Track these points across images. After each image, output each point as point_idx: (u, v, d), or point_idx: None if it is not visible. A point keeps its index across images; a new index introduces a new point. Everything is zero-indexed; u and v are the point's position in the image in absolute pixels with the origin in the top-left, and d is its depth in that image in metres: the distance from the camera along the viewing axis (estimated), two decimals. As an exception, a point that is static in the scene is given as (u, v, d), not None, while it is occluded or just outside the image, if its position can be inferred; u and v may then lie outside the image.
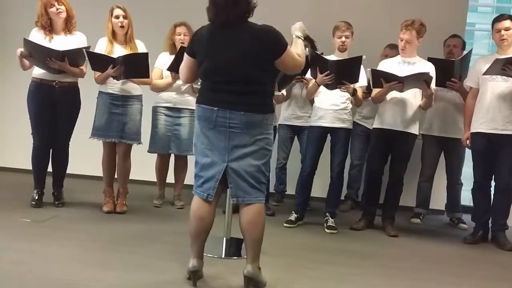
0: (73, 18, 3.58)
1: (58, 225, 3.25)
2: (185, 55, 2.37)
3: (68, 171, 3.80)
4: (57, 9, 3.46)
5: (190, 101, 4.02)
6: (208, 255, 2.68)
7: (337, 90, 3.59)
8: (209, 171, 2.25)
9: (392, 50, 4.21)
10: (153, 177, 4.20)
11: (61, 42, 3.48)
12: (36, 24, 3.50)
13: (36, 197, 3.63)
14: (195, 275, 2.29)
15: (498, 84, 3.51)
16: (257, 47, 2.18)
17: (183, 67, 2.41)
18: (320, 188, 3.99)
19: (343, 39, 3.63)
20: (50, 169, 3.74)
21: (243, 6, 2.19)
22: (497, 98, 3.50)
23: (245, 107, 2.18)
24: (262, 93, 2.26)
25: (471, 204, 3.84)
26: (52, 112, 3.55)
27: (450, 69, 3.81)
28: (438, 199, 4.63)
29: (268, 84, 2.30)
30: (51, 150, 3.68)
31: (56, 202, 3.71)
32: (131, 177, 3.84)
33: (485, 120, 3.54)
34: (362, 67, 3.54)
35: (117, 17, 3.58)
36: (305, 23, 2.33)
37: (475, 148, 3.67)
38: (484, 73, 3.49)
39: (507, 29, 3.50)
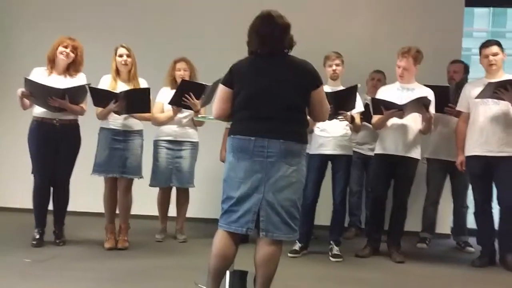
0: (79, 68, 3.66)
1: (60, 264, 3.21)
2: (221, 87, 2.31)
3: (69, 209, 3.78)
4: (66, 53, 3.56)
5: (191, 134, 4.05)
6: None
7: (336, 119, 3.62)
8: (245, 204, 2.17)
9: (378, 74, 4.48)
10: (154, 211, 4.18)
11: (59, 82, 3.53)
12: (46, 55, 3.58)
13: (37, 236, 3.60)
14: None
15: (490, 108, 3.54)
16: (299, 76, 2.24)
17: (218, 101, 2.32)
18: (323, 216, 3.95)
19: (334, 67, 3.70)
20: (50, 207, 3.72)
21: (287, 38, 2.26)
22: (490, 121, 3.53)
23: (284, 135, 2.17)
24: (300, 122, 2.27)
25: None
26: (53, 150, 3.57)
27: (446, 94, 3.86)
28: (444, 223, 4.59)
29: (305, 113, 2.31)
30: (51, 188, 3.67)
31: (57, 241, 3.68)
32: (133, 212, 3.82)
33: (480, 143, 3.55)
34: (357, 94, 3.58)
35: (120, 55, 3.66)
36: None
37: (472, 172, 3.67)
38: (477, 97, 3.54)
39: (494, 54, 3.56)
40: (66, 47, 3.56)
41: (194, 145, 4.08)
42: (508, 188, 3.51)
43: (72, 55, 3.58)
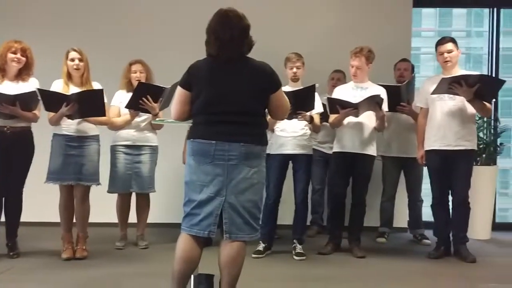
0: (31, 69, 3.53)
1: (14, 277, 3.07)
2: (179, 89, 2.30)
3: (22, 219, 3.62)
4: (18, 59, 3.43)
5: (150, 138, 3.98)
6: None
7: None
8: (207, 207, 2.17)
9: (338, 73, 4.57)
10: (114, 219, 4.07)
11: (12, 88, 3.40)
12: None
13: (-11, 250, 3.44)
14: None
15: (446, 103, 3.68)
16: (257, 80, 2.23)
17: (176, 103, 2.33)
18: (286, 215, 3.99)
19: (295, 70, 3.75)
20: (2, 218, 3.56)
21: (246, 43, 2.24)
22: (446, 116, 3.66)
23: (244, 138, 2.17)
24: (260, 124, 2.28)
25: (432, 219, 3.93)
26: (4, 159, 3.42)
27: (398, 94, 4.00)
28: (401, 217, 4.73)
29: (264, 116, 2.32)
30: (3, 198, 3.51)
31: (11, 253, 3.52)
32: (90, 220, 3.71)
33: (437, 138, 3.69)
34: (316, 94, 3.64)
35: (72, 59, 3.55)
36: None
37: (430, 165, 3.80)
38: (433, 92, 3.66)
39: (449, 51, 3.70)
40: (15, 52, 3.42)
41: (154, 149, 4.01)
42: (461, 180, 3.67)
43: (23, 59, 3.46)
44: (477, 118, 4.21)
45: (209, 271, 2.84)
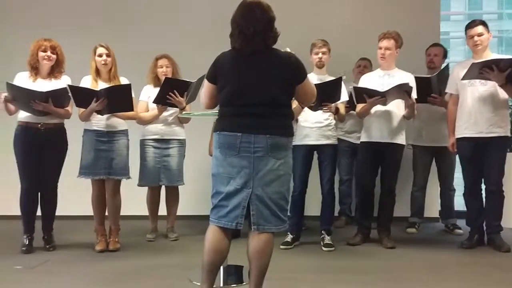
0: (62, 66, 3.62)
1: (51, 270, 3.17)
2: (206, 82, 2.34)
3: (57, 213, 3.73)
4: (48, 56, 3.51)
5: (177, 132, 4.03)
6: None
7: (320, 108, 3.63)
8: (234, 199, 2.18)
9: (364, 61, 4.50)
10: (144, 211, 4.16)
11: (45, 86, 3.49)
12: (27, 62, 3.52)
13: (27, 242, 3.56)
14: None
15: (477, 89, 3.57)
16: (283, 71, 2.22)
17: (205, 97, 2.37)
18: (313, 206, 3.98)
19: (320, 55, 3.72)
20: (39, 212, 3.68)
21: (270, 37, 2.23)
22: (477, 102, 3.56)
23: (270, 130, 2.17)
24: (286, 116, 2.27)
25: (465, 209, 3.85)
26: (39, 155, 3.52)
27: (428, 85, 3.91)
28: (432, 207, 4.66)
29: (290, 107, 2.32)
30: (39, 193, 3.63)
31: (47, 246, 3.64)
32: (122, 213, 3.79)
33: (468, 125, 3.59)
34: (342, 83, 3.59)
35: (100, 55, 3.61)
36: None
37: (462, 153, 3.71)
38: (462, 78, 3.56)
39: (480, 34, 3.58)
40: (45, 50, 3.51)
41: (182, 143, 4.06)
42: (494, 168, 3.57)
43: (54, 56, 3.54)
44: (510, 103, 4.07)
45: (238, 262, 2.88)
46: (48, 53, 3.51)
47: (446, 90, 3.83)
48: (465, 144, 3.63)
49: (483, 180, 3.67)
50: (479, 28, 3.59)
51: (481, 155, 3.59)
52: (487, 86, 3.54)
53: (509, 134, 3.67)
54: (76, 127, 3.67)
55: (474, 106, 3.57)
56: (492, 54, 3.64)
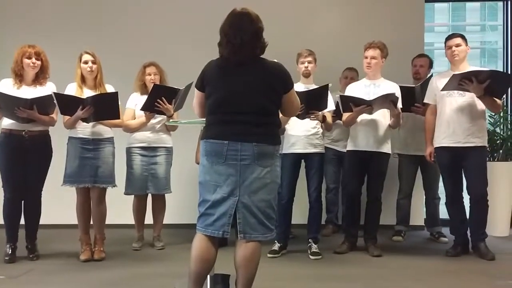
0: (47, 72, 3.59)
1: (34, 279, 3.12)
2: (196, 90, 2.36)
3: (41, 222, 3.68)
4: (33, 63, 3.47)
5: (165, 139, 4.02)
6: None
7: (307, 117, 3.65)
8: (221, 207, 2.18)
9: (351, 71, 4.51)
10: (130, 220, 4.11)
11: (29, 93, 3.45)
12: (11, 69, 3.48)
13: (9, 252, 3.49)
14: None
15: (456, 99, 3.65)
16: (270, 80, 2.24)
17: (196, 104, 2.40)
18: (300, 215, 3.98)
19: (306, 64, 3.75)
20: (22, 221, 3.62)
21: (258, 47, 2.25)
22: (456, 113, 3.63)
23: (257, 138, 2.18)
24: (272, 124, 2.28)
25: (450, 217, 3.89)
26: (23, 163, 3.47)
27: (412, 94, 3.97)
28: (417, 215, 4.70)
29: (277, 115, 2.32)
30: (22, 201, 3.57)
31: (31, 255, 3.58)
32: (108, 221, 3.74)
33: (447, 135, 3.66)
34: (328, 92, 3.63)
35: (86, 62, 3.58)
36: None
37: (441, 163, 3.78)
38: (443, 89, 3.63)
39: (457, 45, 3.67)
40: (29, 57, 3.47)
41: (169, 151, 4.04)
42: (476, 177, 3.62)
43: (39, 63, 3.51)
44: (493, 114, 4.15)
45: (225, 271, 2.86)
46: (33, 59, 3.48)
47: (425, 101, 3.89)
48: (444, 153, 3.69)
49: (467, 189, 3.72)
50: (457, 40, 3.69)
51: (459, 164, 3.66)
52: (466, 97, 3.61)
53: (486, 144, 3.74)
54: (60, 134, 3.63)
55: (452, 116, 3.64)
56: (469, 66, 3.72)
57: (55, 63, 3.73)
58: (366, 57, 3.75)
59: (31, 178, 3.53)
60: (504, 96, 4.81)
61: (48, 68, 3.59)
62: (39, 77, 3.55)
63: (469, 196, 3.71)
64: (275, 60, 2.32)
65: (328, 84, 3.54)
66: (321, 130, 3.79)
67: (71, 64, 3.69)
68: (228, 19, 2.25)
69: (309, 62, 3.76)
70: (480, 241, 3.68)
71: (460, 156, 3.63)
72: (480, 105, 3.62)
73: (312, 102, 3.52)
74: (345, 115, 3.80)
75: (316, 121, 3.70)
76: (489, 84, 3.43)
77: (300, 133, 3.71)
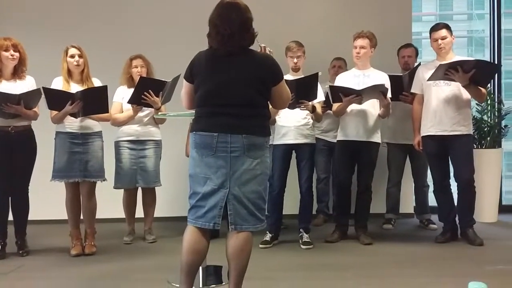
0: (25, 64, 3.53)
1: (25, 275, 3.10)
2: (184, 82, 2.34)
3: (30, 217, 3.65)
4: (12, 55, 3.42)
5: (153, 132, 3.99)
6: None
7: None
8: (211, 199, 2.18)
9: (339, 61, 4.51)
10: (121, 214, 4.09)
11: (11, 87, 3.40)
12: None
13: (-1, 248, 3.47)
14: None
15: (442, 89, 3.68)
16: (259, 72, 2.22)
17: (183, 94, 2.37)
18: (291, 205, 4.00)
19: (295, 60, 3.73)
20: (10, 217, 3.58)
21: (248, 37, 2.22)
22: (442, 102, 3.66)
23: (246, 130, 2.17)
24: (262, 116, 2.26)
25: (439, 204, 3.94)
26: (8, 159, 3.44)
27: (400, 83, 3.99)
28: (407, 203, 4.74)
29: (267, 107, 2.31)
30: (10, 198, 3.53)
31: (20, 251, 3.55)
32: (98, 216, 3.72)
33: (433, 124, 3.69)
34: (318, 83, 3.62)
35: (72, 56, 3.54)
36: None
37: (428, 151, 3.82)
38: (429, 79, 3.66)
39: (443, 38, 3.69)
40: (7, 50, 3.42)
41: (158, 143, 4.02)
42: (463, 164, 3.67)
43: (17, 55, 3.45)
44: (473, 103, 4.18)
45: (217, 262, 2.87)
46: (11, 51, 3.42)
47: (412, 90, 3.91)
48: (431, 142, 3.73)
49: (454, 177, 3.76)
50: (443, 32, 3.70)
51: (445, 152, 3.70)
52: (451, 87, 3.64)
53: (471, 133, 3.78)
54: (42, 129, 3.58)
55: (438, 105, 3.67)
56: (455, 55, 3.75)
57: (39, 58, 3.67)
58: (355, 47, 3.75)
59: (18, 174, 3.50)
60: (491, 84, 4.86)
61: (26, 59, 3.54)
62: (18, 70, 3.49)
63: (456, 183, 3.76)
64: (263, 45, 2.29)
65: (317, 73, 3.54)
66: (311, 121, 3.79)
67: (55, 59, 3.62)
68: (217, 9, 2.23)
69: (297, 57, 3.73)
70: (469, 228, 3.74)
71: (446, 145, 3.67)
72: (466, 95, 3.66)
73: (302, 92, 3.51)
74: (335, 105, 3.81)
75: (306, 112, 3.70)
76: (474, 74, 3.46)
77: (291, 124, 3.71)
